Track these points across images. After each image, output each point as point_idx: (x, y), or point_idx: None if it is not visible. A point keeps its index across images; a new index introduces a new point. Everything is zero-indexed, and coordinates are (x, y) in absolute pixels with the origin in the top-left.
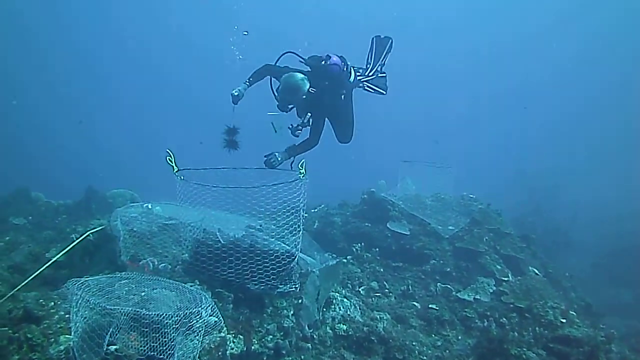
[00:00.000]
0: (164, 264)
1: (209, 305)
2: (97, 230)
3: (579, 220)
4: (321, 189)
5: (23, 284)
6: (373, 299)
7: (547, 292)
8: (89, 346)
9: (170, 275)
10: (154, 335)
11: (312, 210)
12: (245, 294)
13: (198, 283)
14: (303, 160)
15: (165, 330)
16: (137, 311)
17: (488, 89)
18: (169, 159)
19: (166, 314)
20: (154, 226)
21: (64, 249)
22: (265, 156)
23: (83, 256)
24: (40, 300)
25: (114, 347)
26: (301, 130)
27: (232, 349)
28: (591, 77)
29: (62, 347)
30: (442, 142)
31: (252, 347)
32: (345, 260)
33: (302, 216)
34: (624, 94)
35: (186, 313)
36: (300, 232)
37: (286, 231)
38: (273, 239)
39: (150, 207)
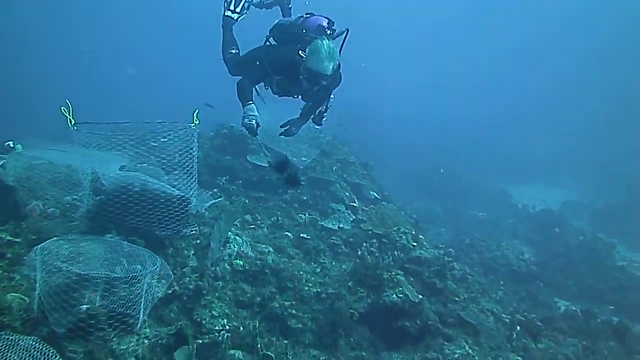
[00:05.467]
0: (51, 208)
1: (161, 262)
2: None
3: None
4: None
5: None
6: (249, 231)
7: (398, 218)
8: (60, 306)
9: (70, 221)
10: (121, 293)
11: None
12: (148, 239)
13: (116, 234)
14: (197, 109)
15: (132, 288)
16: (108, 274)
17: None
18: (64, 109)
19: (139, 273)
20: (24, 167)
21: None
22: (281, 126)
23: None
24: None
25: (85, 306)
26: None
27: (155, 292)
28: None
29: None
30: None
31: (174, 289)
32: (225, 200)
33: (196, 163)
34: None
35: (152, 270)
36: (195, 178)
37: (180, 177)
38: (164, 184)
39: (12, 145)
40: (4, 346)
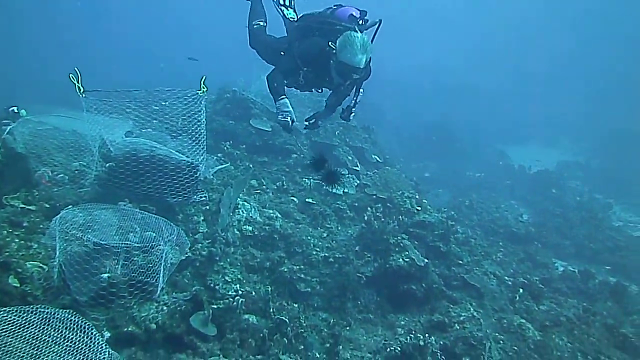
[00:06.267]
0: (60, 175)
1: (177, 230)
2: None
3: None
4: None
5: None
6: (255, 196)
7: (401, 183)
8: (81, 275)
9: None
10: (139, 261)
11: None
12: (159, 206)
13: (129, 201)
14: (204, 76)
15: (149, 256)
16: (128, 243)
17: None
18: (71, 76)
19: (158, 241)
20: (30, 134)
21: None
22: (306, 120)
23: None
24: None
25: (107, 275)
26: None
27: (171, 259)
28: None
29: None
30: None
31: (188, 256)
32: (231, 166)
33: (204, 130)
34: None
35: (170, 238)
36: (204, 145)
37: (187, 144)
38: (172, 150)
39: (16, 110)
40: (39, 320)
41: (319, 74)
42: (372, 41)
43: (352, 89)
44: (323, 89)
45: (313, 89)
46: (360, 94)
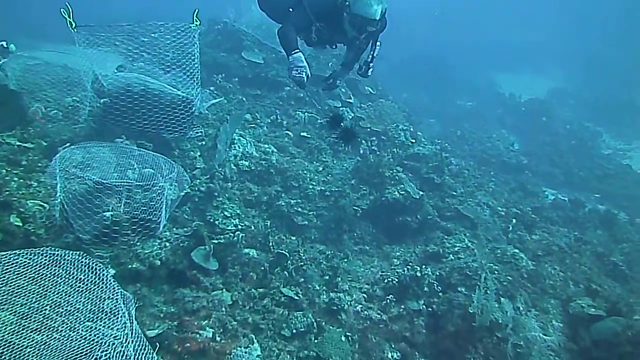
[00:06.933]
0: (53, 111)
1: (178, 168)
2: None
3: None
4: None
5: None
6: (249, 130)
7: (396, 116)
8: (84, 214)
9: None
10: (139, 199)
11: None
12: (156, 142)
13: (126, 138)
14: (197, 9)
15: (149, 193)
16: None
17: None
18: (63, 11)
19: (158, 179)
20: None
21: None
22: (324, 80)
23: None
24: None
25: (109, 213)
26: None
27: (171, 195)
28: None
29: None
30: None
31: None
32: (225, 100)
33: (199, 64)
34: None
35: (171, 176)
36: (199, 80)
37: (181, 78)
38: (165, 84)
39: (5, 45)
40: (50, 261)
41: (332, 29)
42: None
43: (368, 43)
44: (337, 44)
45: (326, 45)
46: (377, 47)
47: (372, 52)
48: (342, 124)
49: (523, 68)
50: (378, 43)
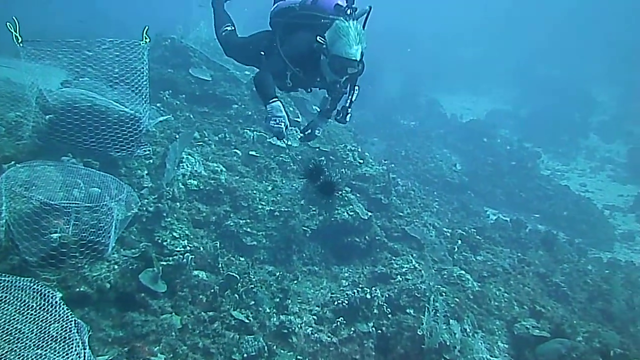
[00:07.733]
0: None
1: (127, 189)
2: None
3: None
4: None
5: None
6: (197, 148)
7: (343, 136)
8: (30, 235)
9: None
10: (87, 220)
11: None
12: (102, 160)
13: (72, 156)
14: (146, 26)
15: (96, 214)
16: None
17: None
18: (9, 24)
19: (107, 200)
20: None
21: None
22: (302, 132)
23: None
24: None
25: (57, 234)
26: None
27: (119, 215)
28: None
29: None
30: None
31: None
32: (172, 117)
33: (147, 81)
34: None
35: (121, 197)
36: (147, 96)
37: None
38: (113, 102)
39: None
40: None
41: (309, 73)
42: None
43: (346, 86)
44: (312, 89)
45: (300, 89)
46: (356, 91)
47: (349, 97)
48: (321, 176)
49: (463, 88)
50: (356, 87)
